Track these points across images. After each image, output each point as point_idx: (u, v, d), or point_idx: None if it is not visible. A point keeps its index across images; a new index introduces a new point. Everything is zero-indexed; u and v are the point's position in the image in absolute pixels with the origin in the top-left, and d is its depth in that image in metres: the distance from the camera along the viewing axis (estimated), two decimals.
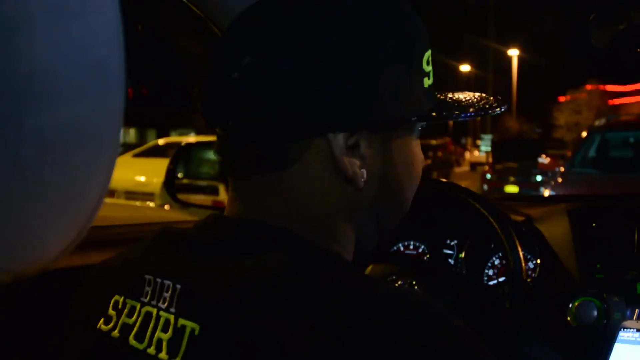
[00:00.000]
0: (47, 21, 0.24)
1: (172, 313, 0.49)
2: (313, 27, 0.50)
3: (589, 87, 30.13)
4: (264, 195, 0.54)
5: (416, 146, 0.60)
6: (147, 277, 0.53)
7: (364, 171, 0.54)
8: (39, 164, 0.25)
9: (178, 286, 0.49)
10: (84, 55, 0.26)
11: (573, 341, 1.05)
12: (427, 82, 0.57)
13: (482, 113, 0.59)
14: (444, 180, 1.29)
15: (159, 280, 0.51)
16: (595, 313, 1.01)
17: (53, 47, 0.24)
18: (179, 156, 1.60)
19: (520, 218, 1.32)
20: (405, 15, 0.55)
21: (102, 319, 0.54)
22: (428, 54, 0.57)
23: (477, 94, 0.63)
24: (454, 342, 0.43)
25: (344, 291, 0.44)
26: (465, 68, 39.83)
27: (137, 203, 5.33)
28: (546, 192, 7.33)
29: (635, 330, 0.86)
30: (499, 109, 0.61)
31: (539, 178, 10.19)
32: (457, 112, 0.58)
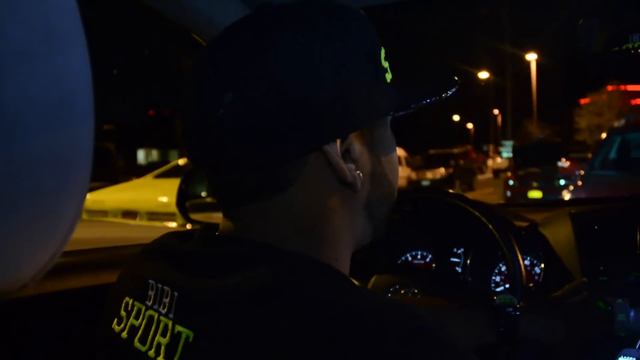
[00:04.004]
0: (15, 63, 0.26)
1: (170, 319, 0.52)
2: (283, 52, 0.53)
3: (609, 88, 29.58)
4: (260, 218, 0.57)
5: (391, 140, 0.65)
6: (150, 281, 0.57)
7: (360, 173, 0.58)
8: (9, 194, 0.27)
9: (176, 293, 0.53)
10: (52, 92, 0.27)
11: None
12: (389, 77, 0.62)
13: (442, 92, 0.65)
14: (450, 190, 1.31)
15: (159, 285, 0.56)
16: None
17: (21, 87, 0.26)
18: (190, 176, 1.64)
19: (524, 224, 1.33)
20: (363, 23, 0.59)
21: (115, 319, 0.60)
22: (382, 51, 0.62)
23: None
24: (442, 357, 0.44)
25: (328, 303, 0.46)
26: (483, 75, 39.61)
27: (159, 224, 5.39)
28: (567, 196, 7.22)
29: (634, 358, 0.84)
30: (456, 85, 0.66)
31: (562, 182, 10.04)
32: (419, 97, 0.64)
